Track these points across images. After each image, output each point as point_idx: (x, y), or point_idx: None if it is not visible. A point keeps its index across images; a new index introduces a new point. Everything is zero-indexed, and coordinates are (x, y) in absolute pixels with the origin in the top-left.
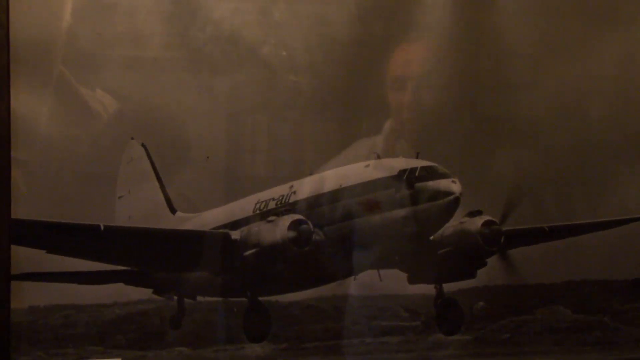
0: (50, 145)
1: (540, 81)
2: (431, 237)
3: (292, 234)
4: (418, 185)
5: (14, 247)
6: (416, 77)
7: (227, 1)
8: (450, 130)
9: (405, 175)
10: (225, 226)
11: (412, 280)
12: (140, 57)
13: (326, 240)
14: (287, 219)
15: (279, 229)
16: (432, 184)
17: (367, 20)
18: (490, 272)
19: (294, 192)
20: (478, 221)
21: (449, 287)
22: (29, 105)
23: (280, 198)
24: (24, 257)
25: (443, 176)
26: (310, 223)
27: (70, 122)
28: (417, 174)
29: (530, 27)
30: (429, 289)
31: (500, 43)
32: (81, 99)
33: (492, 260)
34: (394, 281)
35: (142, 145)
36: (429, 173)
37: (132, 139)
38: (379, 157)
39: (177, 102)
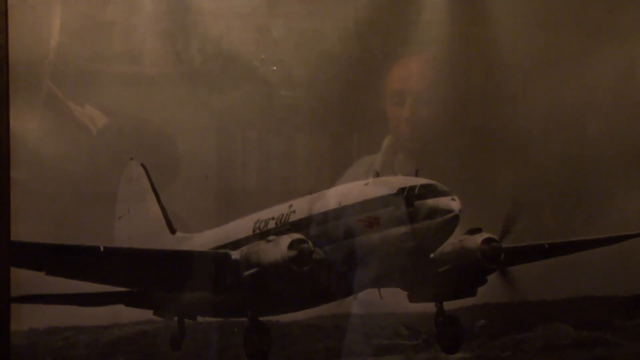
0: (48, 165)
1: (536, 94)
2: (431, 255)
3: (292, 253)
4: (417, 203)
5: (13, 269)
6: (414, 92)
7: (225, 19)
8: (448, 145)
9: (405, 193)
10: (225, 246)
11: (412, 299)
12: (137, 75)
13: (326, 259)
14: (287, 239)
15: (279, 249)
16: (432, 201)
17: (364, 36)
18: (490, 290)
19: (294, 211)
20: (478, 238)
21: (449, 304)
22: (28, 124)
23: (280, 217)
24: (24, 279)
25: (442, 194)
26: (310, 242)
27: (68, 141)
28: (416, 192)
29: (526, 41)
30: (429, 307)
31: (497, 57)
32: (78, 117)
33: (493, 278)
34: (394, 299)
35: (142, 165)
36: (428, 191)
37: (132, 159)
38: (378, 174)
39: (175, 120)
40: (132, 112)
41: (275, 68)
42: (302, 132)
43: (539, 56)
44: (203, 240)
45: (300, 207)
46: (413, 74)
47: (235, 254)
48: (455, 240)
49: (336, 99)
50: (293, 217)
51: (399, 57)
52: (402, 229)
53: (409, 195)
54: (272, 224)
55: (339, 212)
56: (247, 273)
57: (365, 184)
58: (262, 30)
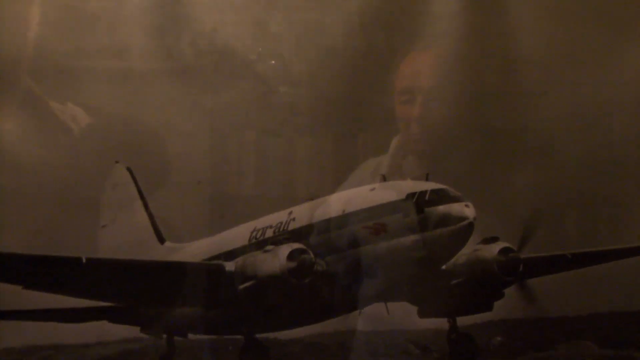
0: (26, 169)
1: (557, 92)
2: (443, 266)
3: (291, 264)
4: (428, 209)
5: None
6: (424, 89)
7: (218, 11)
8: (462, 147)
9: (415, 199)
10: (218, 257)
11: (422, 314)
12: (124, 72)
13: (329, 270)
14: (286, 249)
15: (278, 259)
16: (444, 208)
17: (370, 29)
18: (508, 304)
19: (293, 219)
20: (494, 248)
21: (463, 320)
22: (3, 125)
23: (279, 225)
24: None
25: (455, 199)
26: (311, 252)
27: (48, 142)
28: (427, 198)
29: (546, 34)
30: (441, 323)
31: (514, 51)
32: (59, 117)
33: (510, 291)
34: (403, 315)
35: (128, 169)
36: (440, 196)
37: (117, 162)
38: (384, 178)
39: (165, 120)
40: (117, 111)
41: (273, 62)
42: (302, 133)
43: (560, 50)
44: (195, 250)
45: (300, 214)
46: (423, 70)
47: (229, 266)
48: (470, 250)
49: (340, 97)
50: (293, 225)
51: (407, 52)
52: (412, 237)
53: (418, 201)
54: (269, 233)
55: (343, 220)
56: (242, 286)
57: (371, 189)
58: (260, 24)
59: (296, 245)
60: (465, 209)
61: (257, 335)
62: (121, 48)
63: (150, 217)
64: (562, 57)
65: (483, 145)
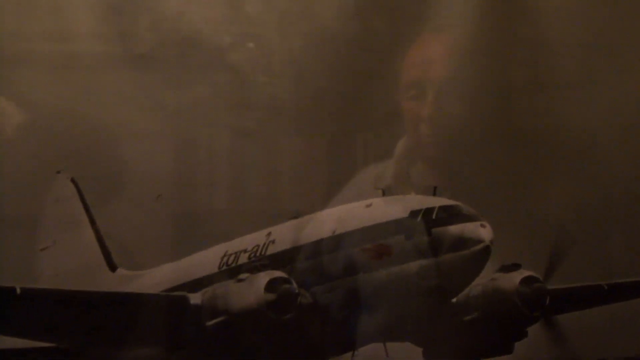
0: None
1: (595, 84)
2: (454, 299)
3: (270, 296)
4: (436, 230)
5: None
6: (435, 83)
7: None
8: (480, 151)
9: (420, 218)
10: (182, 287)
11: (429, 356)
12: (69, 62)
13: (316, 303)
14: (264, 278)
15: (254, 291)
16: (455, 228)
17: (369, 9)
18: (532, 345)
19: (273, 242)
20: (515, 277)
21: None
22: None
23: (255, 249)
24: None
25: (468, 218)
26: (294, 282)
27: None
28: (434, 216)
29: (583, 15)
30: None
31: (545, 36)
32: None
33: (535, 330)
34: (405, 357)
35: (72, 180)
36: (450, 214)
37: (59, 172)
38: (384, 193)
39: (119, 120)
40: (60, 108)
41: (251, 46)
42: (287, 135)
43: (601, 35)
44: (154, 279)
45: (281, 235)
46: (434, 59)
47: (195, 298)
48: (486, 279)
49: (332, 92)
50: (272, 249)
51: (415, 37)
52: (416, 264)
53: (424, 220)
54: (244, 258)
55: (333, 242)
56: (211, 322)
57: (367, 206)
58: (233, 5)
59: (276, 274)
60: (481, 230)
61: None
62: (66, 32)
63: (100, 238)
64: (602, 43)
65: (506, 150)
